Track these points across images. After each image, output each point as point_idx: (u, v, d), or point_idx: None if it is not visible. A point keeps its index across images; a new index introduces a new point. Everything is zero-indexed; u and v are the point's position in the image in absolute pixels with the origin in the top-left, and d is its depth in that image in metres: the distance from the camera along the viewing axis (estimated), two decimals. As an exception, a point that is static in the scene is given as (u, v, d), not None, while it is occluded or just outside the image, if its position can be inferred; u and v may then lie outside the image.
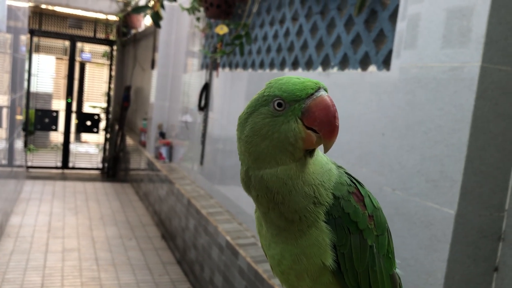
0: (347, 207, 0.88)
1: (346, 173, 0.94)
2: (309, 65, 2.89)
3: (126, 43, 9.31)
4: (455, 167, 1.56)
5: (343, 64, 2.56)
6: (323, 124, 0.81)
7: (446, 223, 1.59)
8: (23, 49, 6.34)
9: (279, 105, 0.83)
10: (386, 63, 2.23)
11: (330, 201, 0.87)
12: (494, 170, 1.58)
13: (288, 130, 0.82)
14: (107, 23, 9.88)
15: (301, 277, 0.90)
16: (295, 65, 3.07)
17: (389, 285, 0.95)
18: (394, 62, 2.11)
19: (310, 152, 0.86)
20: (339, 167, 0.94)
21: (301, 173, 0.85)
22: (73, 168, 9.14)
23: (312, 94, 0.82)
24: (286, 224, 0.87)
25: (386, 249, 0.95)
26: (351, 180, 0.92)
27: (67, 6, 8.90)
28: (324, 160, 0.91)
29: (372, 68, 2.32)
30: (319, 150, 0.90)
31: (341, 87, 2.51)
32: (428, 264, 1.65)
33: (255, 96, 0.88)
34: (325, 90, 0.85)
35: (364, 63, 2.39)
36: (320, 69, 2.76)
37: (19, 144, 6.44)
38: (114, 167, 8.93)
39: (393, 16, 2.17)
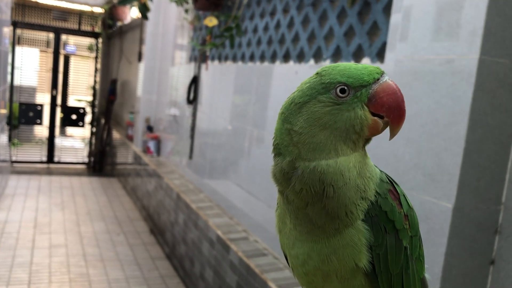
0: (385, 205, 0.83)
1: (385, 173, 0.90)
2: (300, 57, 2.86)
3: (112, 35, 9.17)
4: (453, 161, 1.55)
5: (336, 56, 2.53)
6: (392, 109, 0.78)
7: (443, 217, 1.57)
8: (6, 41, 6.20)
9: (342, 91, 0.78)
10: (380, 56, 2.21)
11: (373, 198, 0.83)
12: (492, 164, 1.57)
13: (354, 117, 0.78)
14: (92, 15, 9.72)
15: (328, 278, 0.85)
16: (286, 58, 3.04)
17: None
18: (388, 54, 2.09)
19: (366, 143, 0.83)
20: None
21: (359, 164, 0.81)
22: (59, 162, 9.02)
23: (378, 79, 0.79)
24: (325, 221, 0.81)
25: (418, 252, 0.92)
26: (387, 177, 0.88)
27: (51, -3, 8.74)
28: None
29: (366, 61, 2.30)
30: None
31: (334, 80, 2.49)
32: (425, 258, 1.63)
33: (307, 85, 0.82)
34: None
35: (357, 56, 2.37)
36: (312, 61, 2.73)
37: (3, 138, 6.32)
38: (100, 162, 8.82)
39: (387, 8, 2.15)
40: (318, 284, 0.88)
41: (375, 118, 0.79)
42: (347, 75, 0.79)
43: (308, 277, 0.89)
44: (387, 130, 0.82)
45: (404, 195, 0.89)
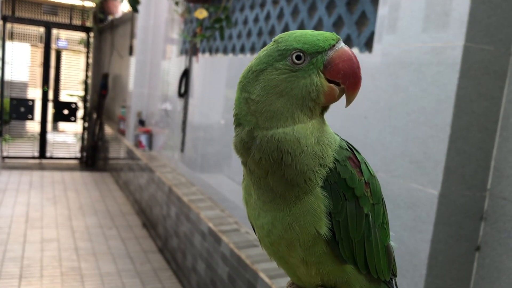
0: (344, 172, 0.83)
1: (346, 141, 0.90)
2: (290, 49, 2.86)
3: (103, 29, 9.11)
4: (439, 148, 1.56)
5: (325, 47, 2.53)
6: (348, 76, 0.78)
7: (429, 203, 1.59)
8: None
9: (298, 57, 0.78)
10: (368, 46, 2.21)
11: (332, 165, 0.82)
12: (477, 150, 1.58)
13: (310, 84, 0.78)
14: (83, 9, 9.65)
15: (292, 247, 0.85)
16: (276, 49, 3.03)
17: (384, 257, 0.92)
18: (376, 44, 2.09)
19: (323, 110, 0.82)
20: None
21: (316, 131, 0.80)
22: (51, 158, 8.97)
23: (334, 45, 0.79)
24: (285, 189, 0.81)
25: (381, 219, 0.91)
26: (347, 145, 0.88)
27: (41, -9, 8.66)
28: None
29: (354, 51, 2.30)
30: None
31: (323, 71, 2.49)
32: (412, 245, 1.65)
33: (264, 52, 0.81)
34: None
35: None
36: (301, 52, 2.73)
37: (-7, 133, 6.29)
38: (92, 156, 8.79)
39: (375, -2, 2.15)
40: (283, 253, 0.88)
41: (331, 85, 0.79)
42: (302, 41, 0.78)
43: (273, 246, 0.89)
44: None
45: (365, 163, 0.89)
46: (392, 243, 0.96)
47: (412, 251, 1.64)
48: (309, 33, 0.80)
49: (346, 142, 0.89)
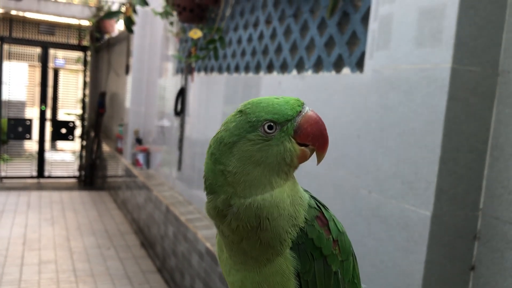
0: (311, 232, 0.85)
1: (315, 198, 0.92)
2: (284, 68, 2.88)
3: (100, 48, 9.17)
4: (430, 169, 1.57)
5: (317, 66, 2.55)
6: (317, 138, 0.84)
7: (422, 224, 1.59)
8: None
9: (270, 127, 0.82)
10: (359, 65, 2.23)
11: (303, 225, 0.85)
12: (468, 171, 1.59)
13: (284, 151, 0.82)
14: (80, 29, 9.73)
15: None
16: (270, 68, 3.06)
17: None
18: (367, 64, 2.11)
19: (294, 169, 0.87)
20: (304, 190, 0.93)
21: (291, 192, 0.85)
22: (49, 177, 8.96)
23: (300, 111, 0.84)
24: (259, 253, 0.84)
25: (351, 274, 0.92)
26: (316, 203, 0.90)
27: (38, 11, 8.74)
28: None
29: (346, 71, 2.32)
30: None
31: (316, 90, 2.51)
32: (405, 266, 1.65)
33: (233, 124, 0.84)
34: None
35: (337, 66, 2.39)
36: (295, 71, 2.75)
37: (-9, 154, 6.29)
38: (91, 175, 8.78)
39: (365, 18, 2.18)
40: None
41: (302, 148, 0.84)
42: (272, 112, 0.82)
43: None
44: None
45: (333, 220, 0.91)
46: None
47: (406, 271, 1.64)
48: (276, 102, 0.83)
49: (315, 199, 0.91)
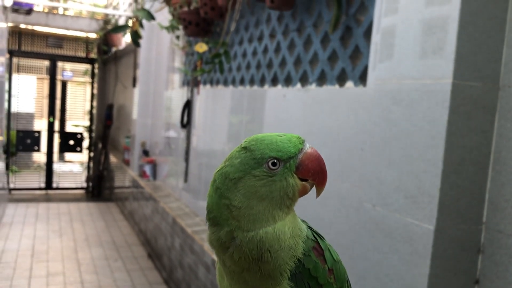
0: (308, 262, 0.88)
1: (313, 229, 0.96)
2: (288, 81, 2.91)
3: (107, 61, 9.27)
4: (432, 182, 1.58)
5: (321, 80, 2.58)
6: (317, 174, 0.89)
7: (426, 238, 1.60)
8: (1, 69, 6.27)
9: (274, 164, 0.86)
10: (362, 79, 2.25)
11: (301, 256, 0.88)
12: (471, 184, 1.60)
13: (287, 186, 0.87)
14: (87, 42, 9.85)
15: None
16: (274, 81, 3.09)
17: None
18: (370, 77, 2.13)
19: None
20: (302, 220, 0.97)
21: (291, 224, 0.89)
22: (57, 188, 9.03)
23: (302, 148, 0.88)
24: (260, 283, 0.87)
25: None
26: (312, 234, 0.93)
27: (46, 25, 8.85)
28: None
29: (349, 84, 2.35)
30: None
31: (320, 103, 2.53)
32: (409, 279, 1.65)
33: (238, 160, 0.88)
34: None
35: (341, 79, 2.42)
36: (299, 85, 2.78)
37: (0, 166, 6.35)
38: (98, 186, 8.84)
39: (368, 32, 2.20)
40: None
41: (304, 183, 0.89)
42: (276, 149, 0.86)
43: None
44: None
45: (329, 249, 0.94)
46: None
47: (410, 285, 1.65)
48: (279, 140, 0.88)
49: (311, 230, 0.95)
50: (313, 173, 0.88)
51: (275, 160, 0.86)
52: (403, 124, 1.72)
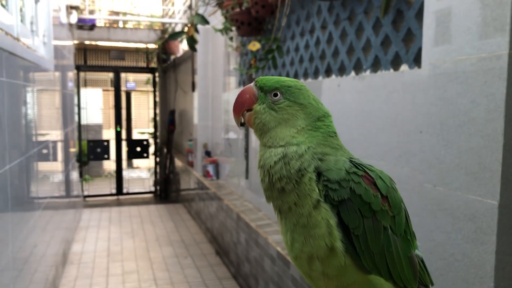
0: (358, 188, 0.90)
1: (357, 162, 0.97)
2: (342, 70, 2.92)
3: (167, 69, 9.62)
4: (493, 157, 1.55)
5: (375, 66, 2.57)
6: None
7: (490, 214, 1.57)
8: (71, 84, 6.70)
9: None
10: (417, 61, 2.23)
11: (326, 182, 0.91)
12: (535, 157, 1.55)
13: None
14: (147, 52, 10.27)
15: (311, 261, 0.92)
16: (328, 72, 3.10)
17: (407, 266, 0.95)
18: (425, 58, 2.11)
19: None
20: (351, 158, 0.98)
21: (311, 145, 0.98)
22: (127, 193, 9.47)
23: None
24: (294, 202, 0.93)
25: (403, 229, 0.95)
26: (357, 166, 0.94)
27: (108, 39, 9.33)
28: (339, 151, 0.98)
29: (404, 67, 2.33)
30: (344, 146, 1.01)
31: (375, 89, 2.53)
32: (476, 258, 1.63)
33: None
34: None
35: (395, 63, 2.40)
36: (353, 73, 2.78)
37: (74, 175, 6.77)
38: (165, 189, 9.18)
39: (419, 14, 2.18)
40: (305, 268, 0.95)
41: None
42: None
43: (297, 261, 0.96)
44: None
45: (380, 178, 0.94)
46: (419, 252, 0.99)
47: (476, 263, 1.62)
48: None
49: (356, 162, 0.96)
50: None
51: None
52: (459, 101, 1.70)
